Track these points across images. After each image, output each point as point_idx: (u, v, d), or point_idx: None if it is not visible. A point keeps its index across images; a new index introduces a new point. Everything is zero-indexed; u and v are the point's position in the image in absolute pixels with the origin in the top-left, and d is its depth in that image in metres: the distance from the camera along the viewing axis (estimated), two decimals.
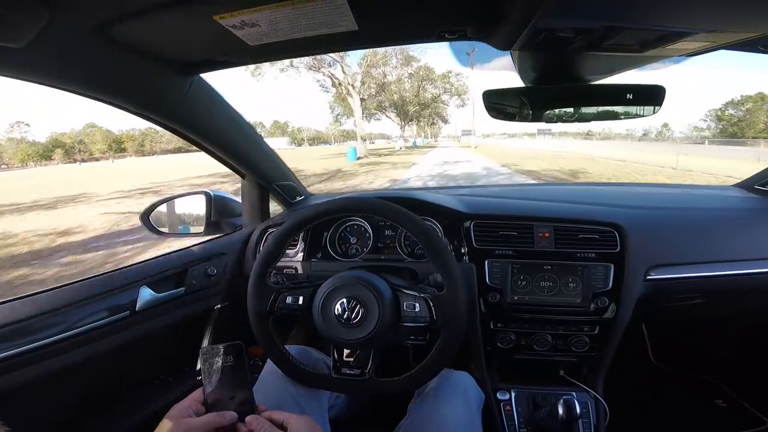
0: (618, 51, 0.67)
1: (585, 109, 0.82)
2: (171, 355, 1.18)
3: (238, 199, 1.39)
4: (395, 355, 1.09)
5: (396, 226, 1.20)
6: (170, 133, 0.99)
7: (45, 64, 0.64)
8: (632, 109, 0.80)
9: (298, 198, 1.44)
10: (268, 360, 0.87)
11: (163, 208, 1.33)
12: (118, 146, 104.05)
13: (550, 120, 0.82)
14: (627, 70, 0.83)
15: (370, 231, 1.23)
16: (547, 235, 1.08)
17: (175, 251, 1.20)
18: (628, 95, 0.77)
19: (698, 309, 1.18)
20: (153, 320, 1.05)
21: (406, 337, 1.08)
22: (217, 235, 1.31)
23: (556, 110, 0.84)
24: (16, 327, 0.79)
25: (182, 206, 1.36)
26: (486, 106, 0.84)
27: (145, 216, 1.29)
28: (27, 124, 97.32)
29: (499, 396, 1.11)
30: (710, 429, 1.35)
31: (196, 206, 1.34)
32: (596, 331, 1.07)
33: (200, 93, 0.90)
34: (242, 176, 1.30)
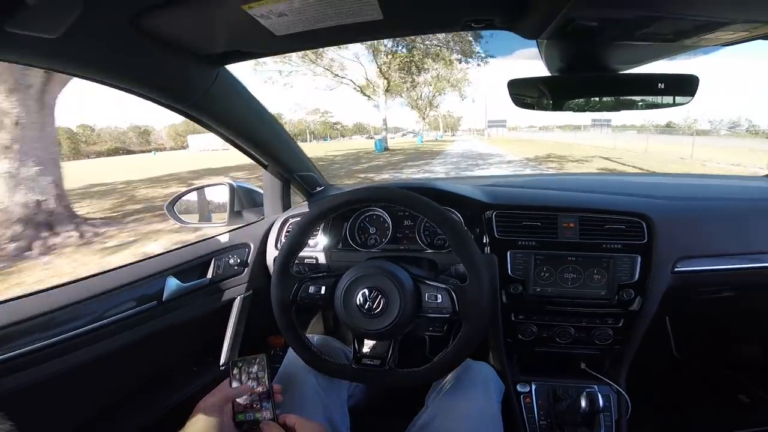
0: (651, 40, 0.64)
1: (614, 98, 0.80)
2: (196, 345, 1.21)
3: (261, 189, 1.41)
4: (412, 346, 1.10)
5: (415, 216, 1.20)
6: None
7: (77, 55, 0.65)
8: (666, 99, 0.77)
9: (318, 188, 1.45)
10: (290, 349, 0.89)
11: (187, 197, 1.37)
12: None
13: (579, 109, 0.80)
14: (659, 59, 0.80)
15: (390, 221, 1.23)
16: (572, 225, 1.06)
17: (199, 241, 1.23)
18: (659, 85, 0.74)
19: (727, 302, 1.15)
20: (179, 310, 1.07)
21: (425, 328, 1.09)
22: (240, 225, 1.33)
23: (583, 100, 0.82)
24: (48, 318, 0.82)
25: (207, 196, 1.39)
26: (511, 96, 0.82)
27: (170, 206, 1.32)
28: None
29: (519, 388, 1.11)
30: (733, 424, 1.32)
31: (220, 196, 1.37)
32: (620, 324, 1.05)
33: (226, 84, 0.91)
34: (265, 167, 1.31)
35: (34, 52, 0.59)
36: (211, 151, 51.62)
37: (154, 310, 1.01)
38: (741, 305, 1.23)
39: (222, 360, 1.24)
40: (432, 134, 78.62)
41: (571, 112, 0.84)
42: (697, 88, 0.74)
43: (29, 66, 0.64)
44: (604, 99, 0.80)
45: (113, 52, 0.67)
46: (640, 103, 0.80)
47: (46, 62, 0.63)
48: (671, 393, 1.45)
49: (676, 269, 1.03)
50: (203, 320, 1.17)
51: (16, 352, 0.76)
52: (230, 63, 0.85)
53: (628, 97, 0.80)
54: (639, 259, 1.02)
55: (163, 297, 1.03)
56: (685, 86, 0.74)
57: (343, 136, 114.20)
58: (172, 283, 1.06)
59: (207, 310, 1.17)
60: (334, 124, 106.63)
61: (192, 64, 0.79)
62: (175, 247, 1.18)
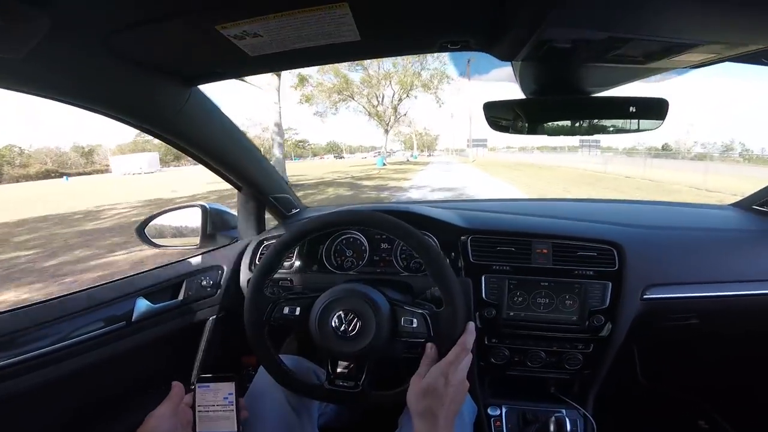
0: (622, 62, 0.66)
1: (587, 122, 0.82)
2: (166, 365, 1.18)
3: (234, 211, 1.38)
4: (387, 367, 1.08)
5: (392, 240, 1.20)
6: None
7: (45, 76, 0.63)
8: (634, 123, 0.79)
9: (294, 210, 1.44)
10: (261, 367, 0.87)
11: (159, 220, 1.32)
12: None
13: (552, 132, 0.81)
14: (630, 81, 0.83)
15: (366, 244, 1.22)
16: (545, 251, 1.07)
17: (171, 263, 1.20)
18: (631, 108, 0.76)
19: (692, 329, 1.18)
20: (149, 331, 1.05)
21: (401, 351, 1.06)
22: (213, 248, 1.30)
23: (559, 123, 0.84)
24: (16, 336, 0.81)
25: (178, 219, 1.35)
26: (487, 119, 0.82)
27: (141, 229, 1.28)
28: None
29: (489, 411, 1.11)
30: None
31: (193, 219, 1.33)
32: (590, 349, 1.07)
33: (198, 104, 0.90)
34: (239, 189, 1.29)
35: None
36: (133, 174, 47.62)
37: (123, 330, 0.99)
38: (705, 331, 1.26)
39: (192, 379, 1.20)
40: (404, 154, 71.67)
41: (546, 135, 0.86)
42: (667, 112, 0.76)
43: None
44: (577, 124, 0.82)
45: (83, 73, 0.66)
46: (611, 128, 0.81)
47: (9, 83, 0.61)
48: (636, 418, 1.46)
49: (645, 296, 1.05)
50: (174, 341, 1.14)
51: None
52: (203, 83, 0.85)
53: (601, 122, 0.81)
54: (610, 285, 1.04)
55: (133, 317, 1.01)
56: (655, 110, 0.76)
57: (315, 155, 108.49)
58: (142, 305, 1.04)
59: (177, 330, 1.14)
60: (299, 142, 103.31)
61: (165, 84, 0.79)
62: (147, 268, 1.15)
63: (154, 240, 1.30)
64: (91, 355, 0.92)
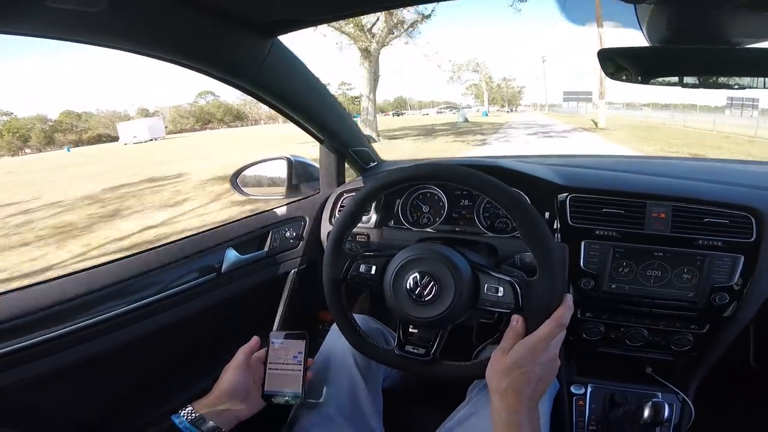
0: None
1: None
2: (251, 316, 1.24)
3: (317, 164, 1.40)
4: (458, 332, 1.07)
5: (474, 196, 1.10)
6: None
7: (123, 28, 0.63)
8: None
9: (372, 164, 1.42)
10: (333, 326, 0.88)
11: (249, 171, 1.40)
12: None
13: (684, 85, 0.65)
14: None
15: (445, 199, 1.14)
16: (663, 216, 0.91)
17: (258, 213, 1.25)
18: None
19: None
20: (237, 282, 1.10)
21: (478, 318, 1.02)
22: (297, 198, 1.34)
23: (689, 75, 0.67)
24: (118, 287, 0.86)
25: (267, 170, 1.41)
26: (602, 66, 0.69)
27: (234, 178, 1.37)
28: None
29: (573, 389, 1.02)
30: None
31: (279, 170, 1.38)
32: (705, 330, 0.92)
33: (280, 57, 0.88)
34: (320, 141, 1.30)
35: (77, 26, 0.58)
36: (144, 142, 44.23)
37: (213, 281, 1.04)
38: None
39: (274, 331, 1.28)
40: (478, 110, 57.09)
41: (679, 87, 0.69)
42: None
43: (73, 42, 0.63)
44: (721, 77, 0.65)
45: (162, 24, 0.65)
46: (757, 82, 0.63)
47: (89, 37, 0.62)
48: (742, 405, 1.28)
49: None
50: (259, 292, 1.20)
51: (94, 319, 0.81)
52: (283, 32, 0.82)
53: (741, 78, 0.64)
54: (742, 259, 0.87)
55: (222, 269, 1.05)
56: None
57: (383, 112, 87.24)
58: (231, 255, 1.08)
59: (263, 282, 1.19)
60: (355, 98, 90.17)
61: (244, 36, 0.77)
62: (235, 219, 1.20)
63: (244, 189, 1.39)
64: (185, 307, 0.97)
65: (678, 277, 0.90)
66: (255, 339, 0.79)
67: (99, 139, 78.53)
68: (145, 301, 0.89)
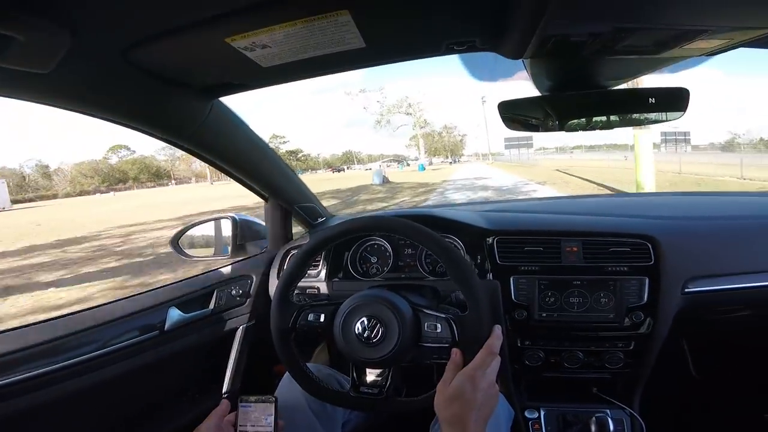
0: (633, 54, 0.65)
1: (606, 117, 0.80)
2: (198, 373, 1.21)
3: (263, 222, 1.42)
4: (419, 373, 1.07)
5: (416, 245, 1.20)
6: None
7: (70, 89, 0.67)
8: (656, 115, 0.77)
9: (320, 219, 1.46)
10: (285, 374, 0.89)
11: (191, 232, 1.38)
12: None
13: (570, 129, 0.79)
14: (646, 73, 0.80)
15: (390, 250, 1.22)
16: (575, 249, 1.04)
17: (202, 273, 1.24)
18: (650, 99, 0.74)
19: (744, 321, 1.12)
20: (181, 339, 1.08)
21: (428, 356, 1.05)
22: (243, 257, 1.34)
23: (575, 119, 0.82)
24: (53, 345, 0.84)
25: (210, 230, 1.40)
26: (502, 118, 0.82)
27: (175, 240, 1.34)
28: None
29: (527, 414, 1.07)
30: None
31: (223, 230, 1.38)
32: (631, 347, 1.02)
33: (221, 116, 0.93)
34: (265, 199, 1.33)
35: (27, 87, 0.61)
36: None
37: (155, 339, 1.02)
38: (758, 322, 1.19)
39: (225, 387, 1.23)
40: (427, 162, 50.11)
41: (567, 132, 0.84)
42: (688, 102, 0.74)
43: (23, 100, 0.66)
44: (596, 118, 0.80)
45: (106, 86, 0.69)
46: (638, 118, 0.79)
47: (36, 97, 0.66)
48: (690, 414, 1.39)
49: (686, 290, 1.01)
50: (205, 349, 1.18)
51: (21, 376, 0.77)
52: (223, 95, 0.88)
53: (620, 116, 0.79)
54: (647, 281, 1.00)
55: (165, 327, 1.04)
56: (675, 100, 0.74)
57: (314, 170, 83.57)
58: (174, 314, 1.07)
59: (209, 339, 1.17)
60: (291, 152, 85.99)
61: (185, 97, 0.82)
62: (178, 279, 1.19)
63: (187, 251, 1.36)
64: (126, 363, 0.95)
65: (597, 302, 1.01)
66: (225, 403, 0.76)
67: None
68: (81, 357, 0.86)
